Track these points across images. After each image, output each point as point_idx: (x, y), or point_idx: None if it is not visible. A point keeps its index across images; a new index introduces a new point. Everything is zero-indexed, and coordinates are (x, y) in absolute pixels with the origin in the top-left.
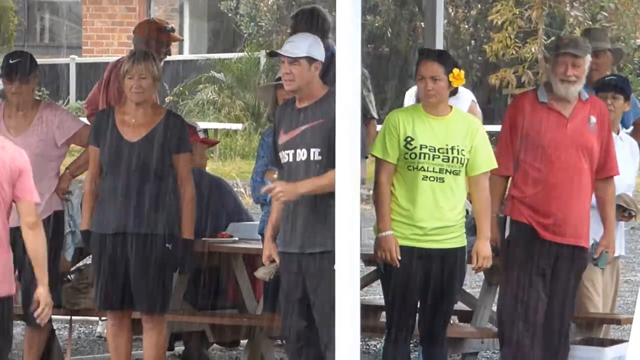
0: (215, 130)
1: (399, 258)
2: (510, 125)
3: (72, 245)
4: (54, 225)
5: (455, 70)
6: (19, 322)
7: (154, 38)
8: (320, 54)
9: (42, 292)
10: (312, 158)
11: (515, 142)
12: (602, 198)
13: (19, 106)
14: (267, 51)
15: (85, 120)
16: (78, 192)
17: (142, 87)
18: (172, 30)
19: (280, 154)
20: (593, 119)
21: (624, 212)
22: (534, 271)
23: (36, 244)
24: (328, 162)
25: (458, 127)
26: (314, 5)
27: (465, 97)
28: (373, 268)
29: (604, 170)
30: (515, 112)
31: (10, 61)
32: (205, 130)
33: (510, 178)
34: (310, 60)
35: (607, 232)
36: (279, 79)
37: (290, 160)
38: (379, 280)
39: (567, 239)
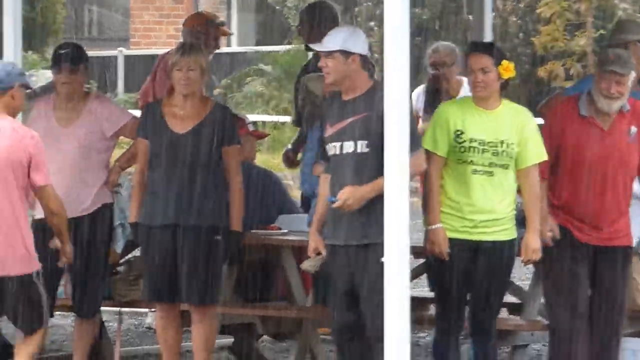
0: (264, 122)
1: (448, 251)
2: (548, 133)
3: (122, 238)
4: (103, 218)
5: (505, 62)
6: (68, 313)
7: (203, 31)
8: (358, 47)
9: (66, 250)
10: (359, 150)
11: (552, 149)
12: None
13: (68, 97)
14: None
15: (138, 112)
16: (127, 184)
17: (190, 79)
18: (222, 24)
19: (327, 146)
20: (634, 129)
21: None
22: (573, 268)
23: (61, 218)
24: (376, 154)
25: (508, 120)
26: None
27: None
28: (422, 260)
29: None
30: (554, 120)
31: (60, 51)
32: (255, 123)
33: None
34: (346, 53)
35: None
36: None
37: (337, 152)
38: None
39: (605, 241)
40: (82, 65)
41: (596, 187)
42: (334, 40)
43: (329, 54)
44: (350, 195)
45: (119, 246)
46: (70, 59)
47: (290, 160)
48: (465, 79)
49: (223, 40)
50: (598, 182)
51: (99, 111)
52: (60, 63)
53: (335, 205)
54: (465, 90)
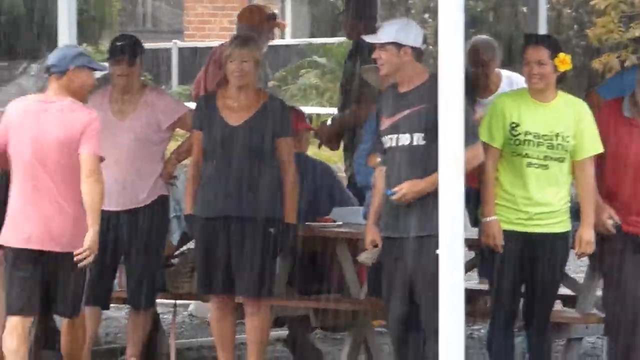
0: (318, 114)
1: (502, 243)
2: None
3: (178, 229)
4: (159, 210)
5: (561, 55)
6: (123, 305)
7: (257, 24)
8: (411, 39)
9: (90, 235)
10: (414, 143)
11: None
12: None
13: (124, 89)
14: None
15: (193, 104)
16: (183, 176)
17: (243, 70)
18: (276, 16)
19: (383, 139)
20: None
21: None
22: (625, 259)
23: (91, 191)
24: (432, 146)
25: (563, 113)
26: None
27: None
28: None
29: None
30: (598, 121)
31: (117, 44)
32: (310, 117)
33: None
34: (398, 45)
35: None
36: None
37: (393, 145)
38: None
39: None
40: (138, 57)
41: None
42: (386, 32)
43: (382, 46)
44: (408, 189)
45: (174, 238)
46: (127, 50)
47: (321, 134)
48: (503, 72)
49: (277, 32)
50: None
51: (155, 103)
52: (117, 55)
53: (393, 198)
54: (505, 84)
